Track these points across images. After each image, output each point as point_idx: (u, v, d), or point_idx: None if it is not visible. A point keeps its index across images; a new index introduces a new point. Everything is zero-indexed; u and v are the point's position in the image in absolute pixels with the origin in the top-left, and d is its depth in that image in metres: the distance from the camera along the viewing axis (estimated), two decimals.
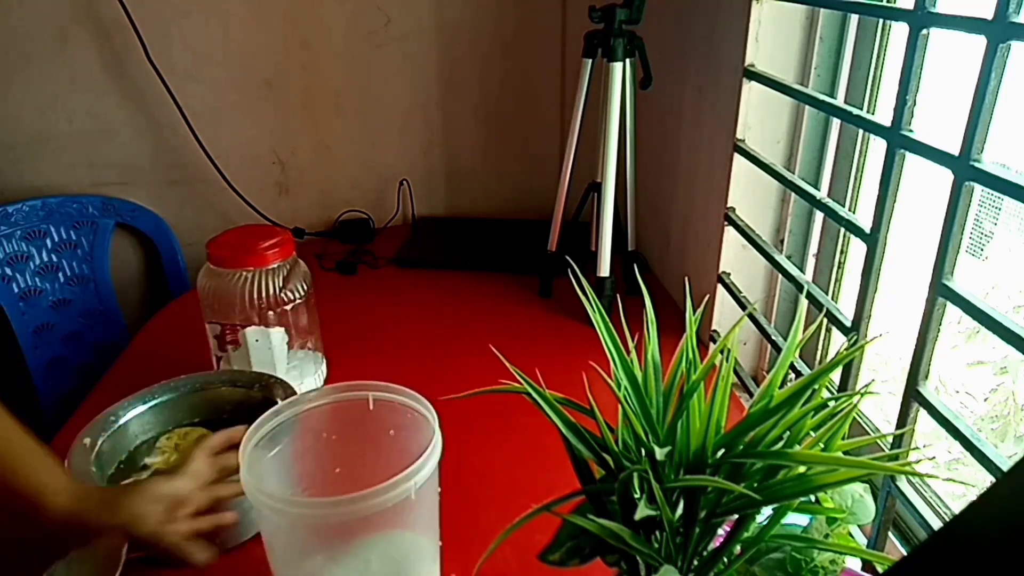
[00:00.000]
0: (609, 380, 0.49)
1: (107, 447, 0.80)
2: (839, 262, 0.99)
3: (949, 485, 0.80)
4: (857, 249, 0.93)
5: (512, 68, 1.59)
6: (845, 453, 0.48)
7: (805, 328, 0.54)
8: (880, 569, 0.65)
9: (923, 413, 0.70)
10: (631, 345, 0.52)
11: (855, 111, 0.79)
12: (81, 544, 0.64)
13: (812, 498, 0.52)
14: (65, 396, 1.47)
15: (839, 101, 0.91)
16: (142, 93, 1.49)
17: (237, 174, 1.56)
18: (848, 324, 0.79)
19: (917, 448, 0.75)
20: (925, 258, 0.67)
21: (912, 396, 0.70)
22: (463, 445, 0.89)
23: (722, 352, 0.50)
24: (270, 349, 0.96)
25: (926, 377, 0.70)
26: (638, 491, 0.47)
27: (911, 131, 0.69)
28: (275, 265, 0.96)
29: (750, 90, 0.98)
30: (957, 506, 0.77)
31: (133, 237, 1.61)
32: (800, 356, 1.00)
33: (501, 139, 1.65)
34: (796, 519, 0.52)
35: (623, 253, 1.31)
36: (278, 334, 0.97)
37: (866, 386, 0.54)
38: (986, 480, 0.63)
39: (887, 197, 0.72)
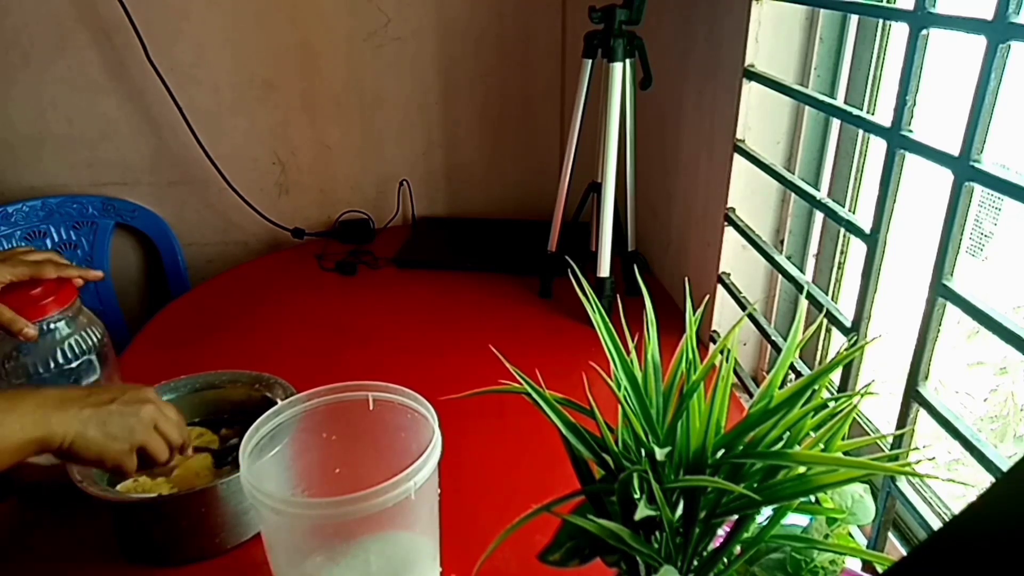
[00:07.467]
0: (609, 380, 0.49)
1: None
2: (839, 262, 0.99)
3: (949, 485, 0.80)
4: (857, 249, 0.93)
5: (512, 68, 1.59)
6: (845, 453, 0.48)
7: (805, 328, 0.54)
8: (880, 569, 0.65)
9: (923, 413, 0.70)
10: (631, 345, 0.52)
11: (855, 111, 0.79)
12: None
13: (812, 498, 0.52)
14: None
15: (839, 101, 0.91)
16: (142, 93, 1.49)
17: (237, 174, 1.56)
18: (848, 324, 0.79)
19: (917, 448, 0.75)
20: (925, 258, 0.67)
21: (912, 396, 0.70)
22: (463, 445, 0.89)
23: (722, 352, 0.50)
24: None
25: (926, 377, 0.70)
26: (638, 491, 0.47)
27: (911, 131, 0.69)
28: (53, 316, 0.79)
29: (750, 90, 0.98)
30: (957, 506, 0.77)
31: (133, 237, 1.61)
32: (800, 356, 1.00)
33: (501, 139, 1.65)
34: (796, 519, 0.52)
35: (623, 253, 1.31)
36: None
37: (866, 386, 0.53)
38: (986, 480, 0.63)
39: (887, 197, 0.72)
